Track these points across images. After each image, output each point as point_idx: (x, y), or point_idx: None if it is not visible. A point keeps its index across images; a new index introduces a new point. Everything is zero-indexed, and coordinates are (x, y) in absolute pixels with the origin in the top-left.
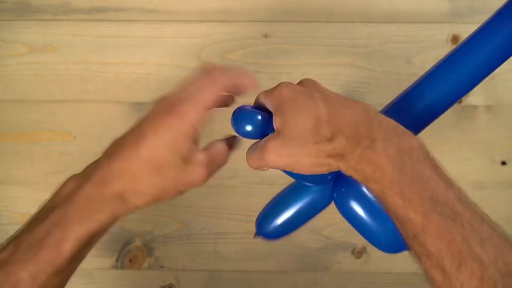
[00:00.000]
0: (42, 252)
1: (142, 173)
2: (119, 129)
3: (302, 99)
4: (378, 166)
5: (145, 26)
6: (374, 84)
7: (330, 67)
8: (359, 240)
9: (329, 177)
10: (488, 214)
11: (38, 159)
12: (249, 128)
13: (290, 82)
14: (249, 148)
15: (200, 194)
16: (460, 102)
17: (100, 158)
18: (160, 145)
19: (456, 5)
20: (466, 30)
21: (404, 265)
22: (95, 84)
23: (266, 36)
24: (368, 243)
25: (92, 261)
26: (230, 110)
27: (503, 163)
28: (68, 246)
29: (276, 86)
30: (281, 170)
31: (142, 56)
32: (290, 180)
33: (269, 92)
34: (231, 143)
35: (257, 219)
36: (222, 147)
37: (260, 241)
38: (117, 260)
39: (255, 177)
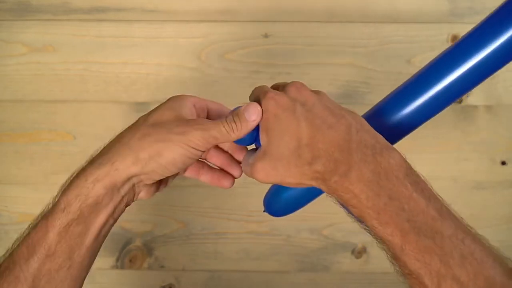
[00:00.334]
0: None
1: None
2: (119, 129)
3: (286, 116)
4: (354, 193)
5: (145, 26)
6: (374, 84)
7: (330, 67)
8: (359, 240)
9: None
10: (488, 214)
11: (38, 159)
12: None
13: (276, 93)
14: (242, 161)
15: (200, 194)
16: (460, 102)
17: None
18: (163, 108)
19: (456, 5)
20: (466, 30)
21: None
22: (95, 84)
23: (266, 36)
24: (368, 243)
25: None
26: None
27: (503, 163)
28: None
29: (264, 95)
30: None
31: (142, 56)
32: None
33: (256, 102)
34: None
35: (264, 197)
36: (241, 109)
37: (260, 241)
38: (117, 260)
39: None
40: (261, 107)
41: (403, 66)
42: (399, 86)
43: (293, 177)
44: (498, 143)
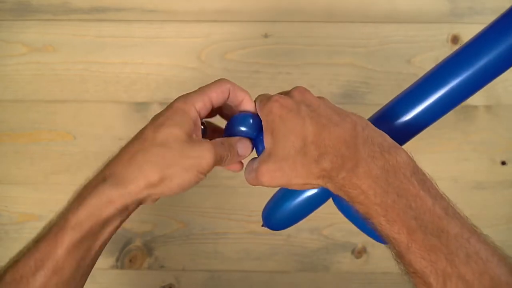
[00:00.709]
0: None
1: (151, 150)
2: (119, 129)
3: (291, 117)
4: (361, 189)
5: (145, 26)
6: (374, 84)
7: (330, 67)
8: (359, 240)
9: None
10: (488, 214)
11: (38, 159)
12: (243, 128)
13: (280, 96)
14: (246, 167)
15: (201, 194)
16: None
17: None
18: (170, 125)
19: (456, 5)
20: (466, 30)
21: None
22: (95, 84)
23: (266, 36)
24: (368, 243)
25: None
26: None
27: (503, 163)
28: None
29: (268, 99)
30: None
31: (142, 56)
32: None
33: (261, 105)
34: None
35: (263, 211)
36: (234, 140)
37: (260, 241)
38: (117, 260)
39: None
40: (266, 109)
41: (403, 66)
42: (405, 89)
43: (300, 177)
44: (498, 143)
